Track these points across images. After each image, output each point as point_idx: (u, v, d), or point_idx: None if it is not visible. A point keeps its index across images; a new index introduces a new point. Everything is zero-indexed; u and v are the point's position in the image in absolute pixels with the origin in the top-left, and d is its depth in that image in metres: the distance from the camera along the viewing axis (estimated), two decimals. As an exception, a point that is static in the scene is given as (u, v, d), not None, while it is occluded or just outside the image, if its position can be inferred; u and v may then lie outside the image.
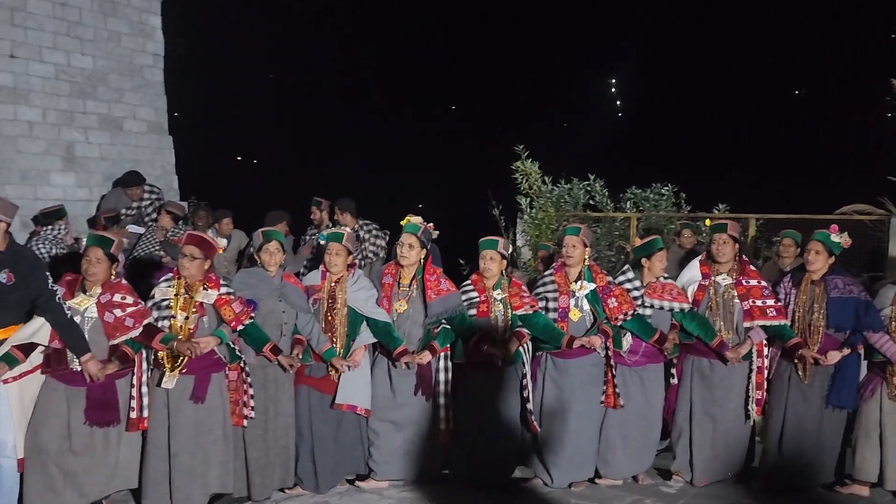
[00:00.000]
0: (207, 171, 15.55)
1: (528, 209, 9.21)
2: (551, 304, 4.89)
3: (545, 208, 9.12)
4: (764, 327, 4.86)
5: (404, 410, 4.77)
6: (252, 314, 4.39)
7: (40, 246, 6.06)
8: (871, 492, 4.80)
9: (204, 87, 18.88)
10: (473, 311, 4.81)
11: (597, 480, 5.00)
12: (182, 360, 4.20)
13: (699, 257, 5.19)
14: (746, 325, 4.87)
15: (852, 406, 4.81)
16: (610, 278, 4.99)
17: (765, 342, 4.91)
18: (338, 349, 4.67)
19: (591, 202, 9.44)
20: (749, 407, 4.92)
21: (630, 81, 23.81)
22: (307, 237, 7.28)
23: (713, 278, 4.99)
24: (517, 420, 4.87)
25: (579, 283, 4.90)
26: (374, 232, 6.98)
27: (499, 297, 4.85)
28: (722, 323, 4.89)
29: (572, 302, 4.87)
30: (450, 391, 4.81)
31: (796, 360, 4.84)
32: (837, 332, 4.77)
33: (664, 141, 20.47)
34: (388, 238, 7.41)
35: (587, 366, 4.85)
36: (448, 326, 4.79)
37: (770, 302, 4.84)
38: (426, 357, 4.69)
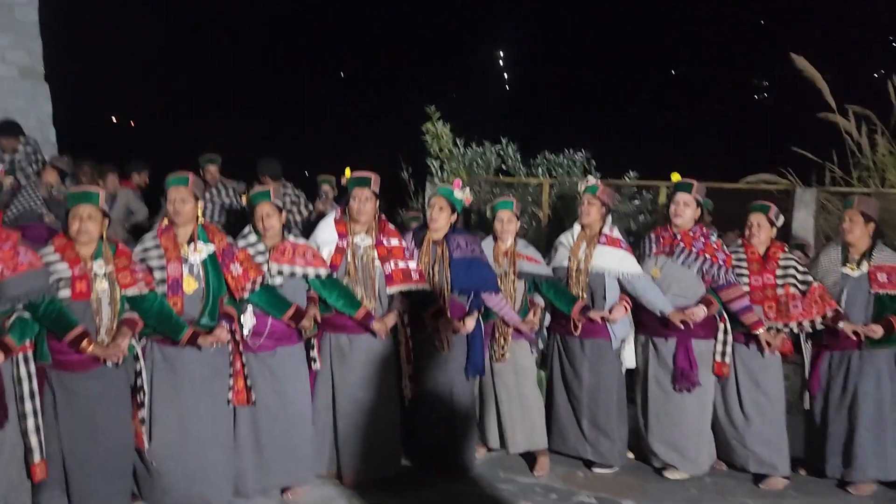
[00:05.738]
0: (92, 124, 14.42)
1: (439, 172, 8.97)
2: (157, 275, 3.86)
3: (457, 172, 8.89)
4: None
5: None
6: None
7: None
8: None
9: (90, 33, 17.42)
10: (67, 292, 3.56)
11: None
12: None
13: (334, 215, 4.57)
14: (390, 290, 4.37)
15: (484, 372, 4.60)
16: (231, 239, 4.12)
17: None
18: None
19: (503, 167, 9.27)
20: (403, 384, 4.43)
21: (537, 47, 23.82)
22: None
23: (351, 238, 4.42)
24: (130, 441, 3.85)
25: (192, 245, 3.96)
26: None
27: (101, 272, 3.67)
28: (363, 290, 4.34)
29: (185, 269, 3.91)
30: (38, 408, 3.52)
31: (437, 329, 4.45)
32: (461, 294, 4.48)
33: (577, 106, 20.61)
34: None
35: (207, 355, 3.92)
36: (26, 316, 3.48)
37: (413, 264, 4.46)
38: None
